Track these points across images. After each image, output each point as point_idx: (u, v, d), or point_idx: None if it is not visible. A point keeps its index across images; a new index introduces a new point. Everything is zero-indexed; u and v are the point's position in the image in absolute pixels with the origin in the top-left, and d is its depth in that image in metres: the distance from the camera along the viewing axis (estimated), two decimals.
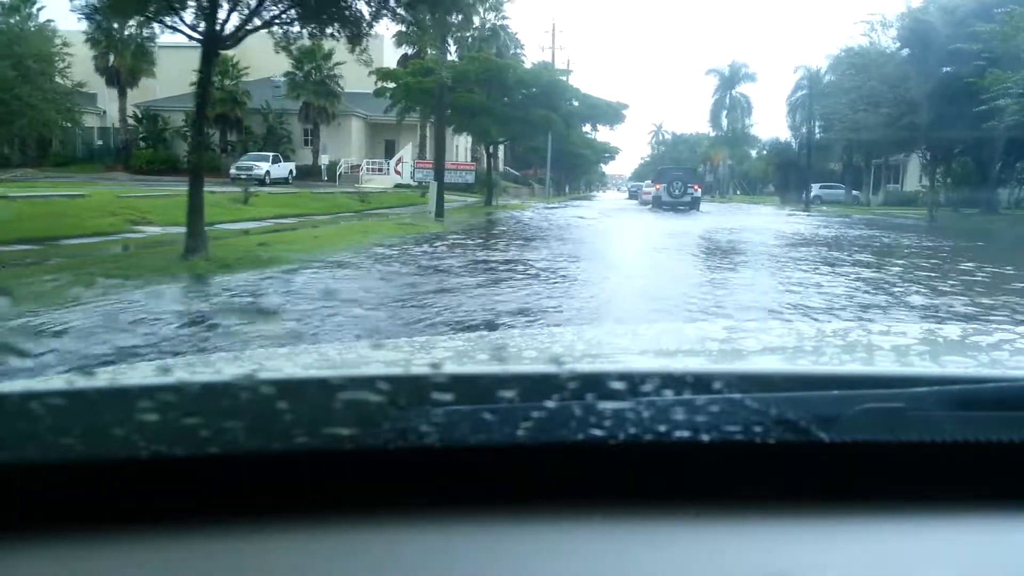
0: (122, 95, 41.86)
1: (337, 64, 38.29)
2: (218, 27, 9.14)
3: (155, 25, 10.05)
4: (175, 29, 9.38)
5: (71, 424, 0.72)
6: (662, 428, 0.74)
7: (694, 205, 35.07)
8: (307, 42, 12.11)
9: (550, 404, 0.74)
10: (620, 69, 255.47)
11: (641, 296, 8.10)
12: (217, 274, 7.73)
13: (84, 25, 11.19)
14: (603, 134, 73.30)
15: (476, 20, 44.55)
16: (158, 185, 22.78)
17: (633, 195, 64.94)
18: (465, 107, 29.40)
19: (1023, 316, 7.03)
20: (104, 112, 45.58)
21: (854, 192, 50.63)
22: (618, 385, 0.76)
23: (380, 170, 42.84)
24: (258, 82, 40.99)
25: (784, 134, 66.77)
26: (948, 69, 29.38)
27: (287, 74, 40.31)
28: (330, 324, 5.05)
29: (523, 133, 35.09)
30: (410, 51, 40.42)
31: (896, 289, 8.73)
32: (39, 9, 36.25)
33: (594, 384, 0.76)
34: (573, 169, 66.15)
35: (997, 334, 1.41)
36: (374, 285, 7.80)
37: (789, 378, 0.86)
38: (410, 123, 39.55)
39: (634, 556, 0.67)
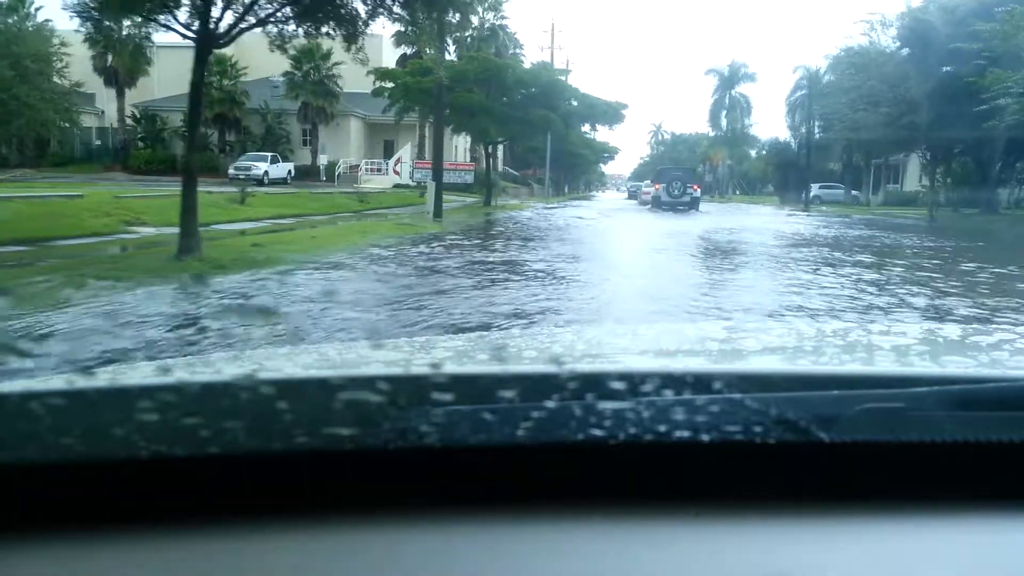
0: (120, 95, 41.79)
1: (336, 64, 38.25)
2: (212, 25, 9.04)
3: (149, 23, 9.91)
4: (168, 28, 9.30)
5: (71, 424, 0.72)
6: (662, 428, 0.74)
7: (693, 205, 35.04)
8: (303, 41, 12.00)
9: (550, 404, 0.74)
10: (619, 69, 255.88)
11: (640, 298, 8.02)
12: (209, 275, 7.64)
13: (81, 24, 10.98)
14: (602, 134, 73.42)
15: (475, 20, 44.63)
16: (156, 185, 22.67)
17: (632, 195, 64.89)
18: (464, 107, 29.31)
19: None
20: (102, 112, 45.51)
21: (853, 192, 50.58)
22: (618, 385, 0.76)
23: (379, 170, 42.77)
24: (256, 82, 40.96)
25: (783, 134, 66.86)
26: (948, 68, 29.34)
27: (286, 74, 40.27)
28: (319, 327, 4.96)
29: (522, 133, 35.01)
30: (409, 51, 40.32)
31: (900, 291, 8.62)
32: (37, 9, 36.23)
33: (594, 384, 0.76)
34: (572, 169, 66.09)
35: (997, 334, 1.41)
36: (367, 287, 7.70)
37: (789, 378, 0.86)
38: (409, 123, 39.49)
39: (634, 556, 0.67)
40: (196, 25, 9.12)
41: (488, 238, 16.24)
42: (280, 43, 10.29)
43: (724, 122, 73.07)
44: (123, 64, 39.58)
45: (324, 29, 10.22)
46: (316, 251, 10.60)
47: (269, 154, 39.10)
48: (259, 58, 29.12)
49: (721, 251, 14.59)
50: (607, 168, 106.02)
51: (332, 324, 5.21)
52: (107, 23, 10.66)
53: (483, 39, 45.43)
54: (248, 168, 35.89)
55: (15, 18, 34.66)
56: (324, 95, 41.00)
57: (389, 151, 44.62)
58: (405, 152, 41.92)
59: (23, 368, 0.92)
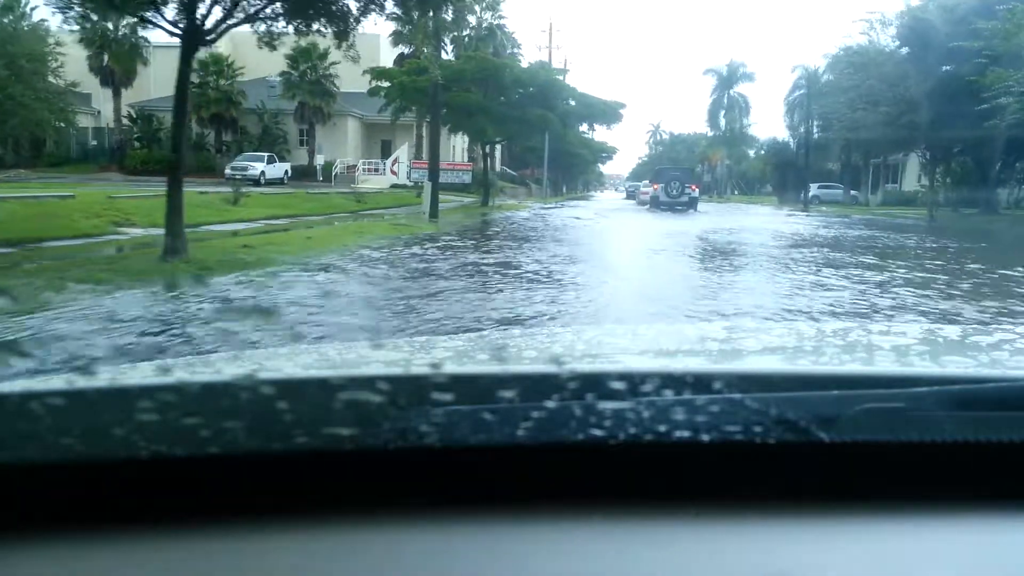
0: (116, 95, 41.65)
1: (333, 64, 38.07)
2: (199, 22, 8.83)
3: (133, 20, 9.72)
4: (154, 24, 9.10)
5: (71, 424, 0.72)
6: (662, 428, 0.74)
7: (691, 205, 35.01)
8: (294, 38, 11.81)
9: (550, 404, 0.74)
10: (617, 69, 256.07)
11: (638, 300, 7.89)
12: (192, 278, 7.44)
13: (64, 21, 10.81)
14: (600, 134, 73.35)
15: (472, 20, 44.54)
16: (151, 185, 22.43)
17: (631, 195, 64.70)
18: (461, 106, 29.16)
19: None
20: (99, 112, 45.43)
21: (852, 192, 50.49)
22: (618, 385, 0.76)
23: (376, 170, 42.67)
24: (253, 82, 40.88)
25: (782, 134, 66.69)
26: (948, 67, 29.24)
27: (282, 74, 40.21)
28: (299, 334, 4.76)
29: (520, 133, 34.92)
30: (406, 50, 40.18)
31: (906, 294, 8.42)
32: (32, 9, 36.06)
33: (594, 384, 0.76)
34: (570, 169, 65.94)
35: (997, 334, 1.41)
36: (354, 290, 7.49)
37: (789, 378, 0.86)
38: (407, 123, 39.39)
39: (634, 556, 0.67)
40: (183, 21, 8.90)
41: (483, 239, 16.07)
42: (269, 40, 10.08)
43: (722, 122, 72.95)
44: (119, 64, 39.47)
45: (315, 26, 10.01)
46: (307, 252, 10.40)
47: (266, 154, 38.97)
48: (255, 58, 28.98)
49: (720, 252, 14.43)
50: (605, 168, 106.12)
51: (312, 331, 5.01)
52: (94, 19, 10.46)
53: (481, 39, 45.33)
54: (244, 168, 35.78)
55: (10, 18, 34.57)
56: (321, 95, 40.89)
57: (386, 151, 44.51)
58: (402, 152, 41.80)
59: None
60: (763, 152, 71.04)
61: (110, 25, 36.47)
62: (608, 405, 0.74)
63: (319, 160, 42.16)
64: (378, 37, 41.62)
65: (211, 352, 2.81)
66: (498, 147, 45.85)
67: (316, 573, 0.66)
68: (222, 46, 38.93)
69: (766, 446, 0.74)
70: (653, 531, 0.71)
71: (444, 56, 30.13)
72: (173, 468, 0.72)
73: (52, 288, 6.42)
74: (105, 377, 0.94)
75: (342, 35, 10.16)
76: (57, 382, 0.83)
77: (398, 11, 11.31)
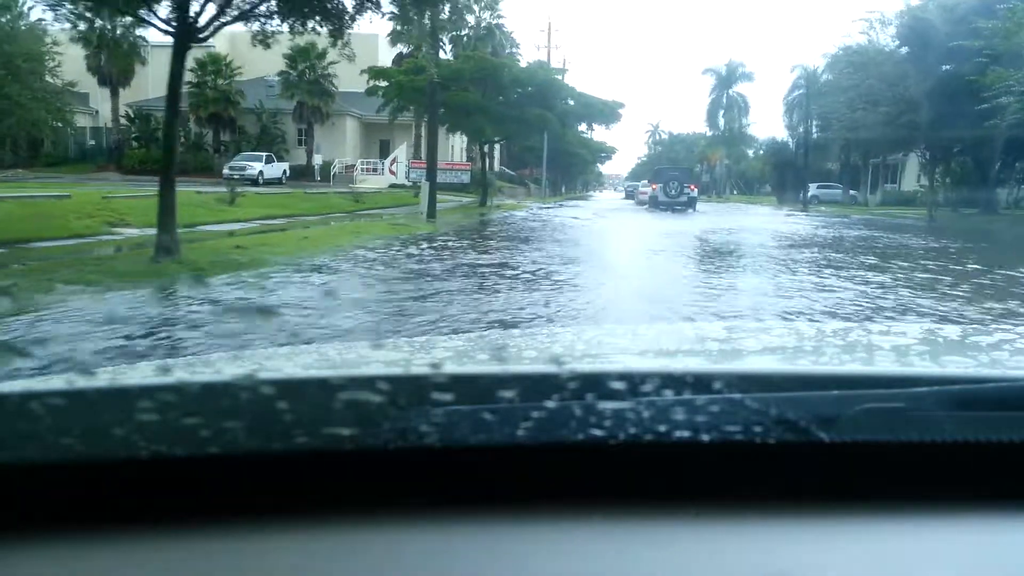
0: (114, 94, 41.56)
1: (331, 63, 37.95)
2: (192, 19, 8.70)
3: (128, 19, 9.61)
4: (146, 22, 8.97)
5: (71, 424, 0.72)
6: (662, 428, 0.74)
7: (690, 205, 35.01)
8: (288, 37, 11.67)
9: (550, 404, 0.74)
10: (616, 69, 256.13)
11: (637, 301, 7.78)
12: (183, 279, 7.32)
13: (55, 19, 10.70)
14: (600, 134, 73.32)
15: (471, 19, 44.46)
16: (149, 185, 22.31)
17: (629, 195, 64.60)
18: (459, 106, 29.02)
19: None
20: (96, 112, 45.38)
21: (851, 192, 50.42)
22: (618, 385, 0.76)
23: (375, 170, 42.60)
24: (252, 81, 40.82)
25: (781, 134, 66.60)
26: (948, 67, 29.18)
27: (281, 73, 40.16)
28: (292, 336, 4.64)
29: (518, 132, 34.81)
30: (405, 50, 40.07)
31: (912, 297, 8.29)
32: (30, 8, 35.93)
33: (594, 384, 0.76)
34: (569, 169, 65.83)
35: (997, 334, 1.40)
36: (346, 292, 7.36)
37: (789, 378, 0.86)
38: (405, 123, 39.30)
39: (634, 556, 0.68)
40: (175, 19, 8.77)
41: (481, 239, 15.96)
42: (263, 39, 9.96)
43: (722, 122, 72.88)
44: (116, 63, 39.34)
45: (309, 24, 9.89)
46: (300, 253, 10.27)
47: (264, 154, 38.89)
48: (254, 57, 28.89)
49: (720, 253, 14.33)
50: (604, 168, 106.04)
51: (303, 334, 4.88)
52: (86, 17, 10.34)
53: (479, 38, 45.24)
54: (243, 168, 35.72)
55: (7, 17, 34.44)
56: (319, 94, 40.80)
57: (385, 151, 44.43)
58: (401, 152, 41.69)
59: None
60: (762, 152, 70.98)
61: (106, 24, 36.47)
62: (608, 405, 0.74)
63: (317, 160, 42.09)
64: (377, 37, 41.52)
65: (193, 356, 2.71)
66: (497, 147, 45.80)
67: (316, 573, 0.66)
68: (220, 45, 38.90)
69: (766, 446, 0.74)
70: (653, 531, 0.71)
71: (443, 56, 30.03)
72: (173, 468, 0.72)
73: (37, 290, 6.30)
74: (105, 377, 0.94)
75: (337, 33, 10.05)
76: (57, 382, 0.83)
77: (394, 9, 11.17)
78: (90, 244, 11.14)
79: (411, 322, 5.80)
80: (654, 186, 37.15)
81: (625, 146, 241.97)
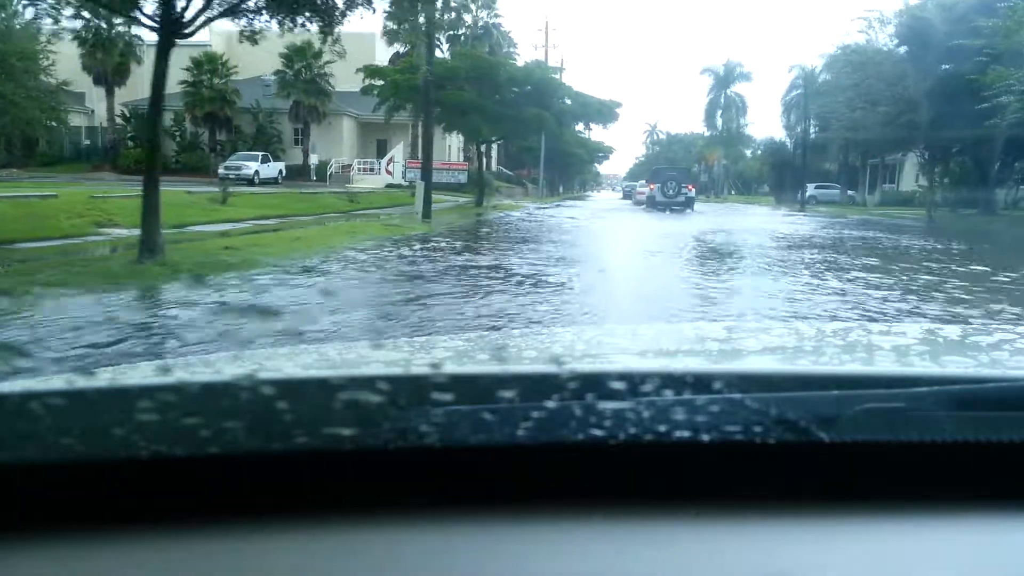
0: (110, 94, 41.32)
1: (328, 63, 37.76)
2: (177, 14, 8.48)
3: (116, 16, 9.40)
4: (129, 16, 8.75)
5: (71, 424, 0.72)
6: (662, 428, 0.74)
7: (688, 205, 34.95)
8: (288, 35, 11.48)
9: (550, 404, 0.74)
10: (614, 68, 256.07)
11: (635, 302, 7.66)
12: (165, 281, 7.10)
13: (50, 17, 10.53)
14: (597, 133, 73.14)
15: (468, 18, 44.28)
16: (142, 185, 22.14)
17: (627, 195, 64.46)
18: (455, 105, 28.82)
19: None
20: (92, 111, 45.11)
21: (849, 192, 50.30)
22: (618, 385, 0.76)
23: (371, 170, 42.40)
24: (247, 81, 40.62)
25: (779, 134, 66.53)
26: (947, 66, 29.03)
27: (277, 72, 39.96)
28: (278, 340, 4.44)
29: (515, 132, 34.61)
30: (402, 49, 39.90)
31: (918, 300, 8.08)
32: (24, 7, 35.67)
33: (594, 384, 0.77)
34: (567, 168, 65.66)
35: (997, 334, 1.39)
36: (334, 295, 7.14)
37: (789, 378, 0.86)
38: (402, 122, 39.12)
39: (634, 556, 0.68)
40: (160, 14, 8.55)
41: (476, 240, 15.77)
42: (251, 35, 9.74)
43: (719, 122, 72.74)
44: (110, 62, 39.11)
45: (299, 20, 9.67)
46: (290, 254, 10.06)
47: (260, 153, 38.67)
48: (250, 57, 28.67)
49: (719, 254, 14.15)
50: (602, 168, 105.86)
51: (289, 340, 4.68)
52: (70, 13, 10.13)
53: (477, 37, 45.09)
54: (238, 167, 35.52)
55: (1, 16, 34.19)
56: (316, 94, 40.57)
57: (382, 150, 44.22)
58: (397, 151, 41.48)
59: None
60: (760, 152, 70.89)
61: (100, 23, 36.26)
62: (608, 405, 0.74)
63: (314, 159, 41.90)
64: (373, 36, 41.38)
65: (193, 356, 2.54)
66: (494, 147, 45.59)
67: (316, 573, 0.66)
68: (216, 44, 38.71)
69: (766, 446, 0.74)
70: (653, 531, 0.71)
71: (440, 55, 29.82)
72: (173, 468, 0.72)
73: (12, 293, 6.09)
74: (105, 377, 0.94)
75: (327, 29, 9.84)
76: (57, 382, 0.83)
77: (387, 6, 10.96)
78: (75, 245, 10.93)
79: (402, 325, 5.60)
80: (652, 186, 37.09)
81: (623, 146, 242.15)
